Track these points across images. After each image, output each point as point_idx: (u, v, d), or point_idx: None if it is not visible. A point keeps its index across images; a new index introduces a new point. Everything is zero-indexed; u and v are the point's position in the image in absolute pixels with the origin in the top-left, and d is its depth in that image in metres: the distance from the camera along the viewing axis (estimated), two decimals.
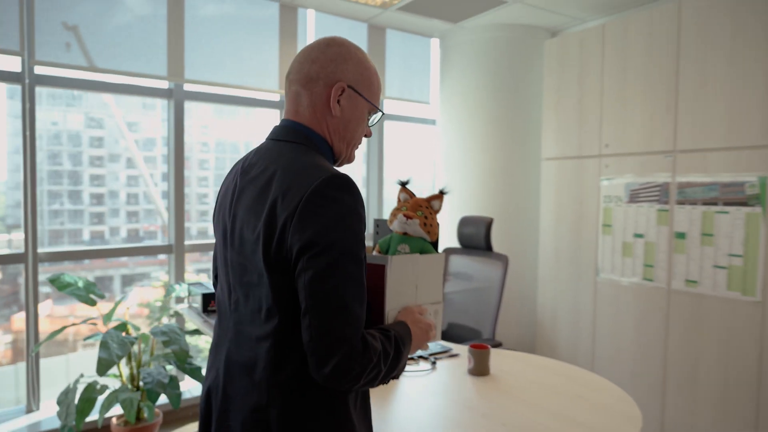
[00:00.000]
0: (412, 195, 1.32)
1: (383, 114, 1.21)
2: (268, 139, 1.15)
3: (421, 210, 1.25)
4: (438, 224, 1.28)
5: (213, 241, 3.84)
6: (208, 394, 1.12)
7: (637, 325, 3.08)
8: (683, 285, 2.84)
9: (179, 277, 3.40)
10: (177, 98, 3.35)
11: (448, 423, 1.55)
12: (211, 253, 3.68)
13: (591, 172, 3.33)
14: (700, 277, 2.77)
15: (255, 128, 3.90)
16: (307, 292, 0.94)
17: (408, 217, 1.23)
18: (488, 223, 2.73)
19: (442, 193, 1.30)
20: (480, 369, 1.93)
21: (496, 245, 3.43)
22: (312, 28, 3.69)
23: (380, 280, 1.14)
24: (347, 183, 0.99)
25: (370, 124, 1.19)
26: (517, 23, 3.81)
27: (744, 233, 2.59)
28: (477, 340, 2.57)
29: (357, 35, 3.85)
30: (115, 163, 3.43)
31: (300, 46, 3.63)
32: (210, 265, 3.88)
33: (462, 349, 2.22)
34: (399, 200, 1.31)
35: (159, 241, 3.50)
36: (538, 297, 3.74)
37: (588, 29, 3.35)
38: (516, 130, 3.87)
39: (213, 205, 3.56)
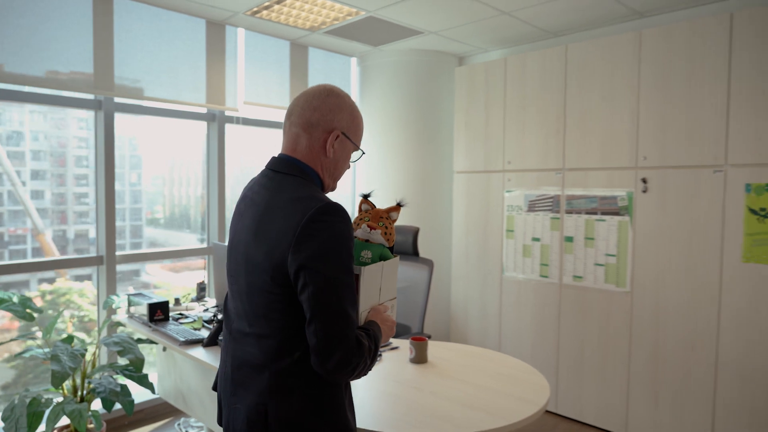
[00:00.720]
0: (373, 206, 1.50)
1: (363, 153, 1.44)
2: (268, 168, 1.33)
3: (382, 221, 1.46)
4: (394, 231, 1.56)
5: (143, 251, 3.82)
6: (219, 383, 1.37)
7: (535, 314, 3.64)
8: (571, 280, 3.44)
9: (111, 289, 3.42)
10: (107, 110, 3.37)
11: (404, 401, 1.89)
12: (143, 263, 3.73)
13: (496, 184, 3.85)
14: (584, 273, 3.37)
15: (141, 125, 3.69)
16: (311, 303, 1.13)
17: (371, 228, 1.43)
18: (415, 232, 3.12)
19: (399, 205, 1.51)
20: (420, 357, 2.29)
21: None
22: (242, 45, 3.85)
23: (355, 286, 1.35)
24: (337, 209, 1.18)
25: (352, 161, 1.39)
26: (430, 49, 4.25)
27: (617, 237, 3.21)
28: (409, 334, 2.94)
29: (280, 52, 4.06)
30: None
31: (229, 62, 3.78)
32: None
33: (400, 343, 2.57)
34: (360, 210, 1.51)
35: (29, 246, 3.35)
36: (451, 293, 4.22)
37: (492, 61, 3.87)
38: (430, 145, 4.32)
39: (94, 205, 3.45)
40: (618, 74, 3.20)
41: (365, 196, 1.52)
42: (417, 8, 3.32)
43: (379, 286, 1.42)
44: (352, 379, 1.24)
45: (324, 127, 1.29)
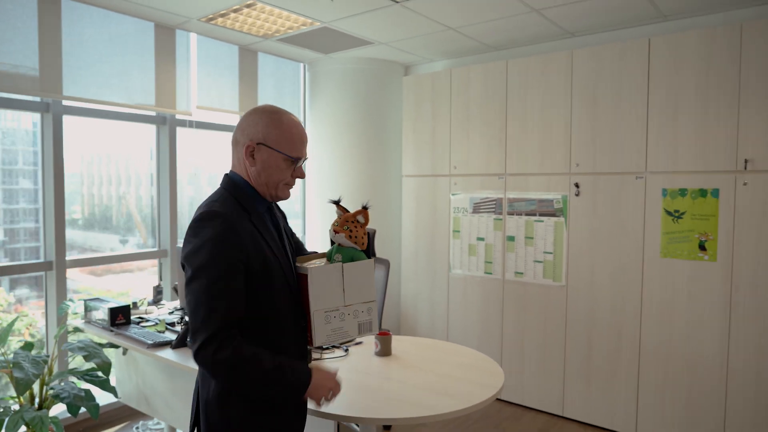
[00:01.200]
0: (345, 211, 1.54)
1: (303, 159, 1.47)
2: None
3: (348, 225, 1.51)
4: (365, 234, 1.57)
5: (95, 255, 3.75)
6: None
7: (480, 308, 3.92)
8: (513, 276, 3.74)
9: (61, 294, 3.36)
10: (55, 112, 3.31)
11: (375, 390, 2.07)
12: (94, 266, 3.67)
13: (443, 188, 4.10)
14: (525, 270, 3.68)
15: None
16: (185, 295, 1.33)
17: (336, 231, 1.51)
18: (372, 234, 3.29)
19: (365, 208, 1.54)
20: (385, 351, 2.47)
21: None
22: (194, 50, 3.87)
23: (305, 286, 1.44)
24: (212, 214, 1.34)
25: (299, 165, 1.46)
26: (378, 58, 4.44)
27: (553, 236, 3.54)
28: None
29: (232, 57, 4.11)
30: None
31: (180, 66, 3.79)
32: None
33: (363, 338, 2.74)
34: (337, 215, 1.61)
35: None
36: (401, 291, 4.44)
37: (438, 72, 4.11)
38: (379, 150, 4.51)
39: (3, 206, 3.31)
40: (553, 89, 3.52)
41: (336, 202, 1.59)
42: (371, 21, 3.50)
43: (342, 288, 1.48)
44: (232, 384, 1.32)
45: (243, 141, 1.44)
